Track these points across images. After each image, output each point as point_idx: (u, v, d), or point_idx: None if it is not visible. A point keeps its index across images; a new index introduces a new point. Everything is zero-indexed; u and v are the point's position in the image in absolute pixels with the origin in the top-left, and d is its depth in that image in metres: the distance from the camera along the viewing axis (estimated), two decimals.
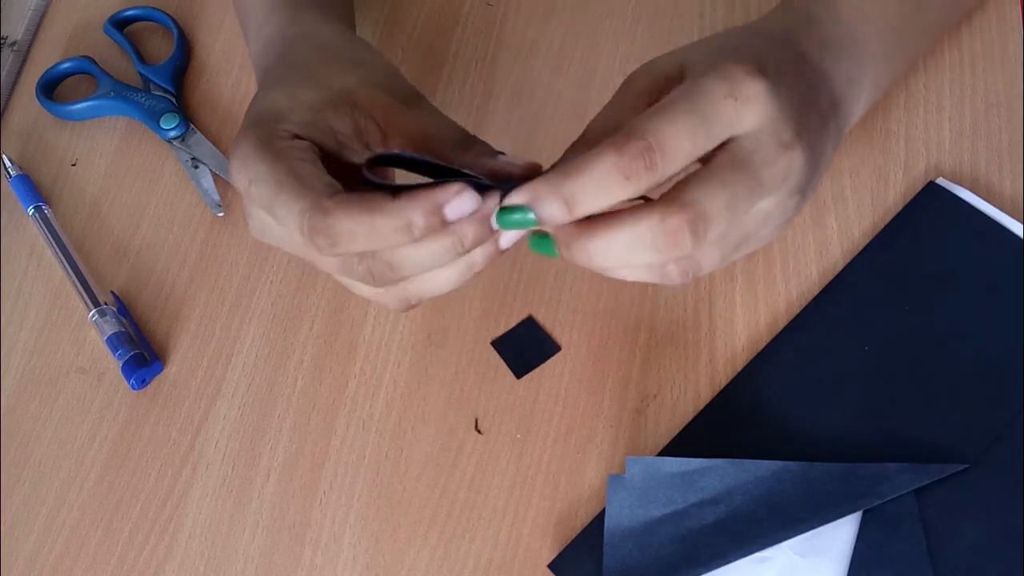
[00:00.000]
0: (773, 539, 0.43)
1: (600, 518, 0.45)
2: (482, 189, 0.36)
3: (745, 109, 0.36)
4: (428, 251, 0.37)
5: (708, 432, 0.47)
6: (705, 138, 0.35)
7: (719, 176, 0.36)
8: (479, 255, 0.38)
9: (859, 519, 0.44)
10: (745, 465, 0.45)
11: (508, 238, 0.38)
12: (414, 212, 0.35)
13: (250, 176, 0.38)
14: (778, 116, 0.36)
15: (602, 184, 0.34)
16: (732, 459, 0.45)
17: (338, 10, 0.51)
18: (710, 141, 0.35)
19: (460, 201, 0.35)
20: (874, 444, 0.45)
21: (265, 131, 0.39)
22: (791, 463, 0.45)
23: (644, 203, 0.36)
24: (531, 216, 0.35)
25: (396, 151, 0.38)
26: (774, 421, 0.47)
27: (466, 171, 0.37)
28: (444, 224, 0.35)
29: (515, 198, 0.36)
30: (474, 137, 0.41)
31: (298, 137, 0.39)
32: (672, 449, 0.47)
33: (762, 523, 0.43)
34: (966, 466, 0.44)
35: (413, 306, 0.41)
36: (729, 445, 0.46)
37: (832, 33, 0.43)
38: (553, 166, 0.38)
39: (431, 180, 0.36)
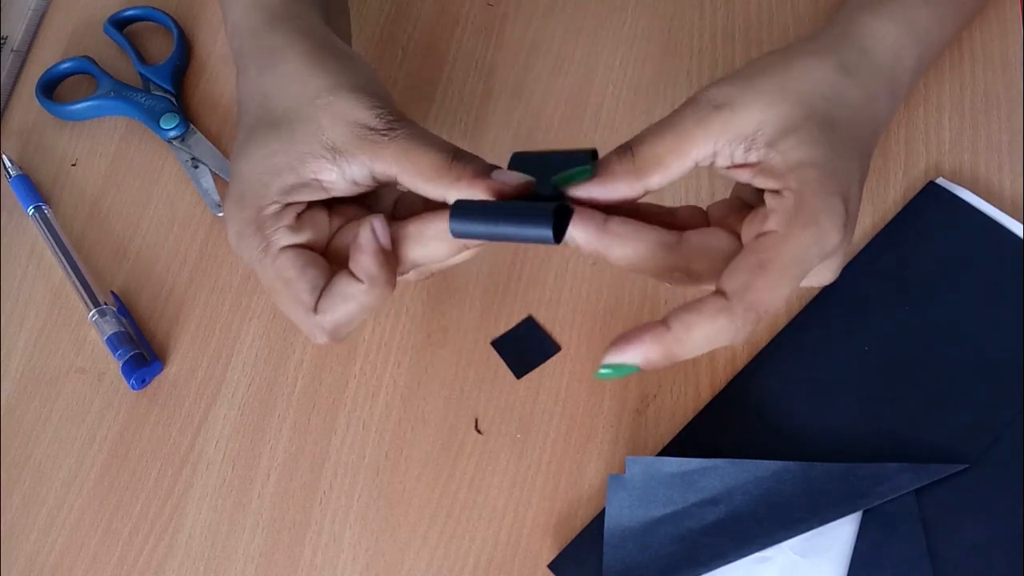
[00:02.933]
0: (773, 539, 0.43)
1: (600, 518, 0.45)
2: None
3: (827, 261, 0.40)
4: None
5: (708, 432, 0.47)
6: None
7: (783, 279, 0.38)
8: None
9: (859, 519, 0.44)
10: (745, 465, 0.45)
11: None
12: (379, 286, 0.40)
13: (251, 259, 0.42)
14: (844, 249, 0.40)
15: (710, 344, 0.38)
16: (732, 459, 0.45)
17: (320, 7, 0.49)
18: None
19: (379, 226, 0.40)
20: (874, 444, 0.45)
21: (253, 212, 0.41)
22: (791, 463, 0.45)
23: (714, 300, 0.38)
24: (634, 368, 0.38)
25: (469, 200, 0.39)
26: (774, 421, 0.47)
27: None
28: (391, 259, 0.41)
29: (626, 358, 0.38)
30: (464, 155, 0.41)
31: (288, 204, 0.42)
32: (672, 449, 0.47)
33: (762, 523, 0.43)
34: (966, 466, 0.44)
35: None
36: (729, 445, 0.46)
37: (896, 73, 0.45)
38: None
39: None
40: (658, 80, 0.57)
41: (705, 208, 0.44)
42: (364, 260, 0.40)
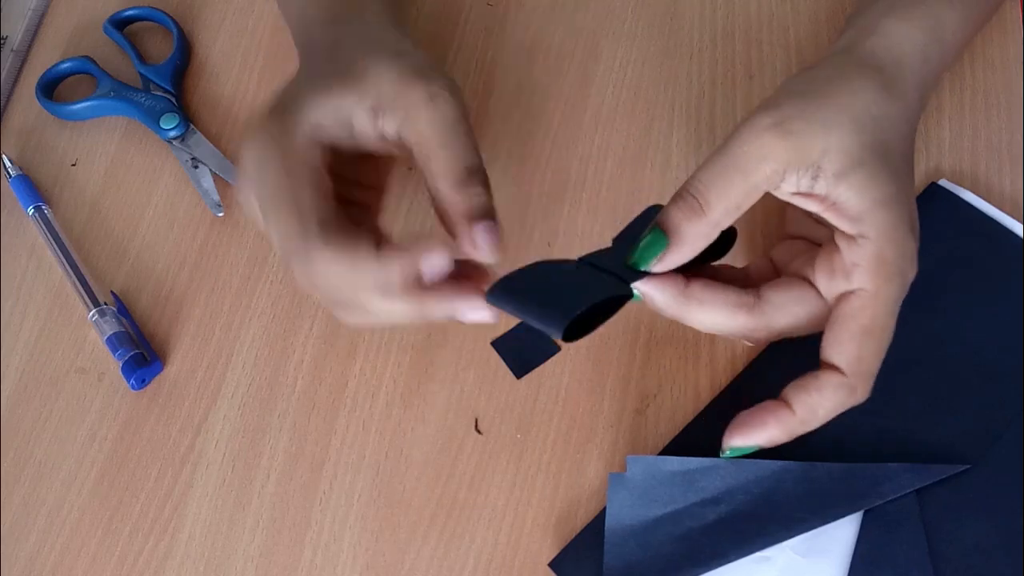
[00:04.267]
0: (774, 539, 0.43)
1: (600, 517, 0.45)
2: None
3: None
4: (399, 309, 0.39)
5: (708, 432, 0.47)
6: None
7: (887, 336, 0.40)
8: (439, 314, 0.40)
9: (860, 519, 0.44)
10: (746, 464, 0.45)
11: (472, 318, 0.40)
12: (391, 271, 0.38)
13: (257, 175, 0.40)
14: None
15: (833, 415, 0.40)
16: (733, 459, 0.45)
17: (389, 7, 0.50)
18: None
19: (435, 262, 0.38)
20: (875, 444, 0.45)
21: (293, 120, 0.40)
22: (792, 463, 0.45)
23: (831, 377, 0.40)
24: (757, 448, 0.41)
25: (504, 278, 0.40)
26: None
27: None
28: (420, 283, 0.38)
29: (752, 441, 0.41)
30: (480, 178, 0.40)
31: (315, 130, 0.41)
32: (672, 449, 0.47)
33: (763, 522, 0.43)
34: (967, 466, 0.44)
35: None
36: None
37: (926, 77, 0.45)
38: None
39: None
40: (658, 80, 0.57)
41: (770, 255, 0.45)
42: (402, 260, 0.38)
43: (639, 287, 0.41)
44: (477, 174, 0.41)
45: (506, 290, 0.39)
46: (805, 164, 0.39)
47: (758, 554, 0.43)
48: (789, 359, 0.48)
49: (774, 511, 0.44)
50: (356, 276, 0.38)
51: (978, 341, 0.47)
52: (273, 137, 0.40)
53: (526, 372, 0.50)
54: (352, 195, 0.44)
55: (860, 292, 0.39)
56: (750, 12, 0.58)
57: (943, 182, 0.51)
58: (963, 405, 0.46)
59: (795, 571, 0.43)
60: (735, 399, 0.47)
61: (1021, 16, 0.55)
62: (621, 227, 0.43)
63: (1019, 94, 0.53)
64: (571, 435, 0.48)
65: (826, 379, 0.40)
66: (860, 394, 0.40)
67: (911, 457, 0.44)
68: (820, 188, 0.39)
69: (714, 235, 0.40)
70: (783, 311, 0.41)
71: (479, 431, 0.49)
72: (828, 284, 0.41)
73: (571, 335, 0.38)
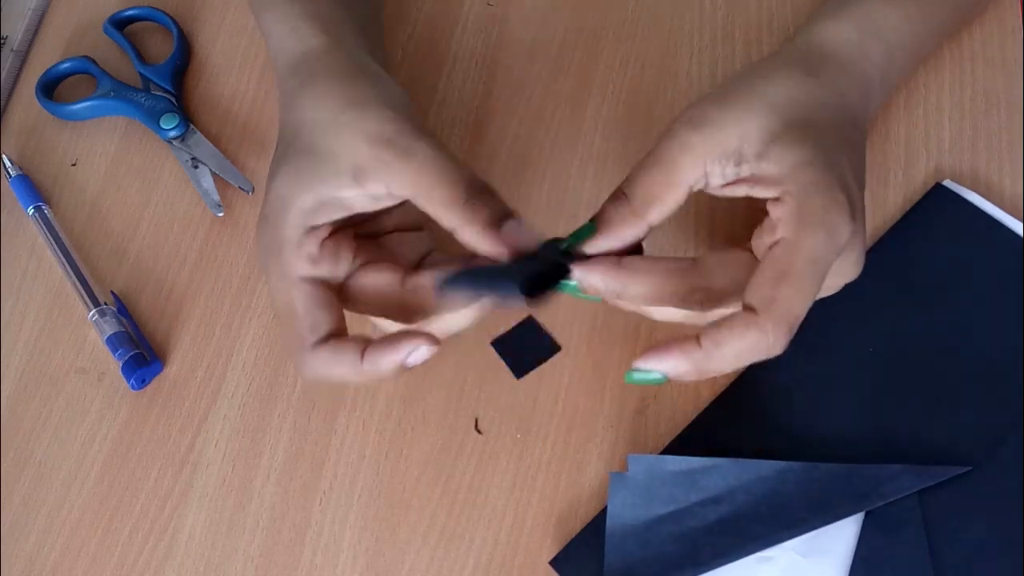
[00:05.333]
0: (775, 539, 0.43)
1: (601, 517, 0.45)
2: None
3: (843, 256, 0.40)
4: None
5: (709, 433, 0.47)
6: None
7: (805, 284, 0.39)
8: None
9: (861, 520, 0.44)
10: (748, 464, 0.45)
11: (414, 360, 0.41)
12: (375, 380, 0.41)
13: (269, 281, 0.43)
14: (859, 240, 0.41)
15: (743, 359, 0.38)
16: (735, 458, 0.45)
17: (359, 32, 0.49)
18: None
19: (419, 355, 0.40)
20: (877, 445, 0.45)
21: (275, 234, 0.42)
22: (794, 463, 0.45)
23: (743, 316, 0.38)
24: (662, 377, 0.39)
25: (453, 269, 0.41)
26: (777, 421, 0.47)
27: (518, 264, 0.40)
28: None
29: (654, 366, 0.39)
30: (480, 192, 0.41)
31: (311, 230, 0.42)
32: (672, 449, 0.47)
33: (764, 523, 0.43)
34: (969, 468, 0.44)
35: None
36: (730, 446, 0.46)
37: (865, 71, 0.45)
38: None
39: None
40: (658, 80, 0.57)
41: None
42: (383, 362, 0.41)
43: (576, 275, 0.41)
44: (483, 190, 0.41)
45: (457, 278, 0.41)
46: (725, 153, 0.40)
47: (759, 554, 0.43)
48: (792, 360, 0.48)
49: (776, 511, 0.44)
50: (341, 375, 0.41)
51: (982, 342, 0.47)
52: (270, 253, 0.42)
53: (526, 372, 0.50)
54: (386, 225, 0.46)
55: (782, 241, 0.39)
56: (750, 12, 0.58)
57: (947, 183, 0.51)
58: (966, 406, 0.46)
59: (796, 571, 0.43)
60: (735, 400, 0.47)
61: (1021, 16, 0.55)
62: None
63: (1019, 94, 0.53)
64: (571, 435, 0.48)
65: (737, 316, 0.38)
66: (772, 338, 0.38)
67: (913, 458, 0.44)
68: (745, 171, 0.41)
69: (641, 226, 0.41)
70: (720, 271, 0.42)
71: (479, 431, 0.49)
72: (760, 245, 0.41)
73: (531, 292, 0.40)
